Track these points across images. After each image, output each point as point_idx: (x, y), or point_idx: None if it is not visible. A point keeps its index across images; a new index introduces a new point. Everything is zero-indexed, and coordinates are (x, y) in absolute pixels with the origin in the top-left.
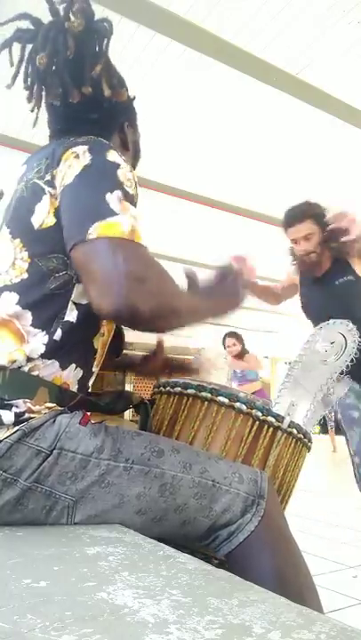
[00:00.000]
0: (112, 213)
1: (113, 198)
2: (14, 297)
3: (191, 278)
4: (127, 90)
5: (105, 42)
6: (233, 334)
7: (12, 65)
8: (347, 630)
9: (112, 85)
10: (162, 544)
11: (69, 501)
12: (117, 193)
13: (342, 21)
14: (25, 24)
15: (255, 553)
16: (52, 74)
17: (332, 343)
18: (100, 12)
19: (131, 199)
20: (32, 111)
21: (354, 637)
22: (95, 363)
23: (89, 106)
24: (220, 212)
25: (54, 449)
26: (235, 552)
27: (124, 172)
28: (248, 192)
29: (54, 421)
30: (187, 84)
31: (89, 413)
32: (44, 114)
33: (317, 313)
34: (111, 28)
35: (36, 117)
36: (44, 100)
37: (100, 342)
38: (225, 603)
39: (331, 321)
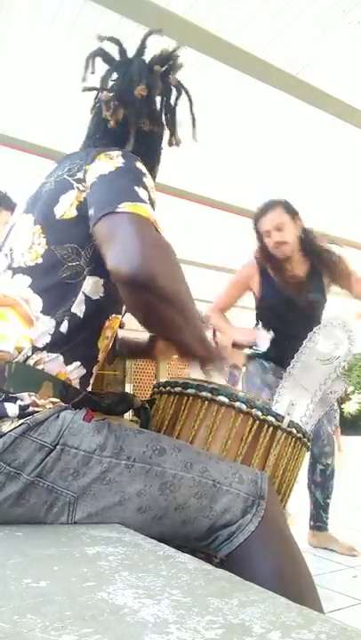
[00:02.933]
0: (141, 200)
1: (141, 191)
2: (27, 280)
3: None
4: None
5: (177, 98)
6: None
7: (92, 72)
8: (347, 630)
9: (174, 133)
10: (162, 544)
11: (71, 497)
12: (144, 191)
13: (342, 21)
14: (112, 47)
15: (256, 554)
16: (142, 103)
17: (331, 343)
18: (99, 11)
19: (152, 203)
20: (110, 125)
21: (354, 637)
22: (96, 365)
23: (143, 138)
24: (220, 212)
25: (57, 444)
26: (235, 553)
27: (149, 181)
28: (248, 192)
29: (58, 417)
30: (187, 84)
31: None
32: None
33: (277, 320)
34: (188, 94)
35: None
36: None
37: (103, 345)
38: (225, 603)
39: (329, 322)
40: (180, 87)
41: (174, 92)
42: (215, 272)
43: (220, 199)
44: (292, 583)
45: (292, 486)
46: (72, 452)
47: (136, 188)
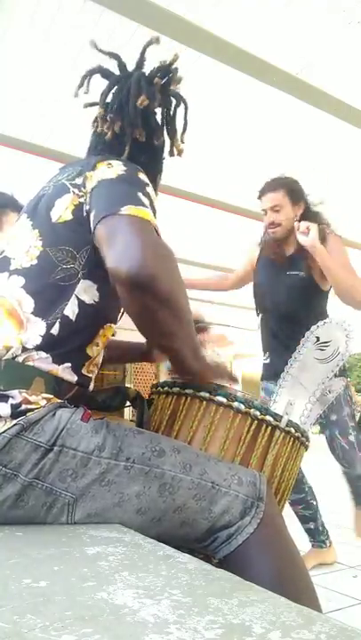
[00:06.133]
0: (143, 204)
1: (143, 197)
2: (21, 280)
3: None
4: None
5: (175, 108)
6: None
7: (86, 92)
8: (347, 630)
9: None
10: (162, 544)
11: (70, 499)
12: (146, 199)
13: (342, 21)
14: (112, 63)
15: (254, 555)
16: (137, 115)
17: (329, 342)
18: (99, 12)
19: (154, 212)
20: (99, 135)
21: (354, 637)
22: (88, 370)
23: (143, 148)
24: (220, 212)
25: (54, 445)
26: (233, 554)
27: (151, 191)
28: (248, 192)
29: (54, 415)
30: (186, 84)
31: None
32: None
33: (265, 299)
34: (185, 105)
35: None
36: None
37: (94, 353)
38: (225, 603)
39: (328, 320)
40: (179, 98)
41: (174, 102)
42: (215, 272)
43: (220, 199)
44: (291, 585)
45: (290, 486)
46: (70, 452)
47: (139, 193)
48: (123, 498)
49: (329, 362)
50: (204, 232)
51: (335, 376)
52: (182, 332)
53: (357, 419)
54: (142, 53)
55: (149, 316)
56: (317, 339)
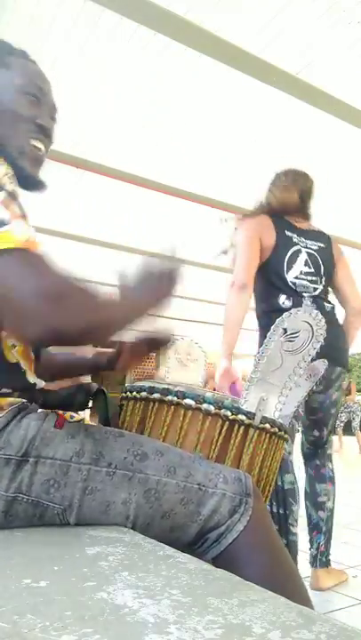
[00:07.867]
0: (1, 223)
1: None
2: None
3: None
4: None
5: None
6: None
7: None
8: (347, 630)
9: None
10: (162, 544)
11: (58, 509)
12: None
13: (342, 21)
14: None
15: (244, 553)
16: None
17: (297, 332)
18: (99, 12)
19: (14, 196)
20: None
21: (354, 637)
22: (26, 373)
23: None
24: (220, 212)
25: (27, 455)
26: (223, 554)
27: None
28: (248, 192)
29: (20, 423)
30: (187, 84)
31: (66, 415)
32: None
33: None
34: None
35: None
36: None
37: (11, 355)
38: (225, 603)
39: (293, 310)
40: None
41: None
42: (215, 272)
43: (220, 199)
44: (282, 581)
45: (271, 482)
46: (48, 462)
47: None
48: (109, 506)
49: (301, 351)
50: (204, 232)
51: (312, 360)
52: (119, 326)
53: (359, 418)
54: None
55: (95, 338)
56: (285, 330)
